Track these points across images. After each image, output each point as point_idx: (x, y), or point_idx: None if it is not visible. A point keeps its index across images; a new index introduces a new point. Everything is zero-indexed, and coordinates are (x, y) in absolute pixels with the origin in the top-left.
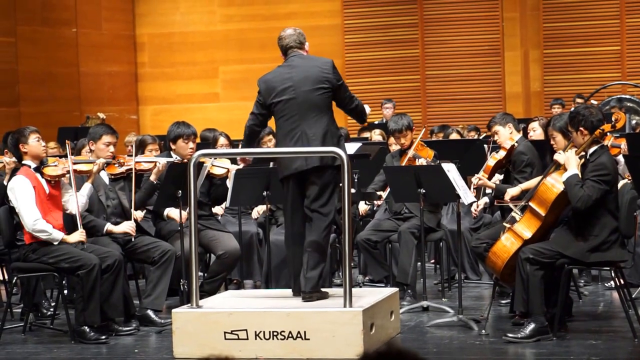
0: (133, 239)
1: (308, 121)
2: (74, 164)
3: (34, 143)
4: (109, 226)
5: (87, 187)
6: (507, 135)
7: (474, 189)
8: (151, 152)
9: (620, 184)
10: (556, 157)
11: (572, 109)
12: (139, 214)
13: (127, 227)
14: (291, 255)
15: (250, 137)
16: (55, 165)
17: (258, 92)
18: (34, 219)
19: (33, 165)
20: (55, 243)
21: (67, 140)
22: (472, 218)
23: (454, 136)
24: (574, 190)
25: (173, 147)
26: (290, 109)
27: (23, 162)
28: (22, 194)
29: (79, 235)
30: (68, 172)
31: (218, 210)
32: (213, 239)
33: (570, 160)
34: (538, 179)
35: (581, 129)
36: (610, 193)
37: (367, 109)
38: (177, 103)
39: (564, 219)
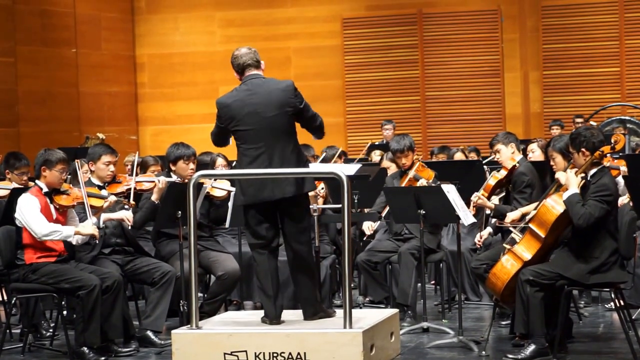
0: (129, 227)
1: (275, 147)
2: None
3: (55, 173)
4: (105, 215)
5: (92, 221)
6: (508, 155)
7: (473, 207)
8: (153, 173)
9: (620, 201)
10: (558, 175)
11: (573, 130)
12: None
13: (125, 214)
14: (266, 287)
15: (220, 136)
16: (68, 195)
17: (218, 115)
18: (40, 226)
19: (45, 189)
20: (70, 239)
21: (76, 160)
22: (478, 248)
23: (459, 155)
24: (575, 208)
25: (173, 168)
26: (255, 136)
27: (36, 181)
28: (27, 208)
29: (91, 227)
30: (79, 203)
31: None
32: (213, 260)
33: (570, 179)
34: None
35: (583, 149)
36: (611, 214)
37: None
38: (177, 123)
39: (563, 240)
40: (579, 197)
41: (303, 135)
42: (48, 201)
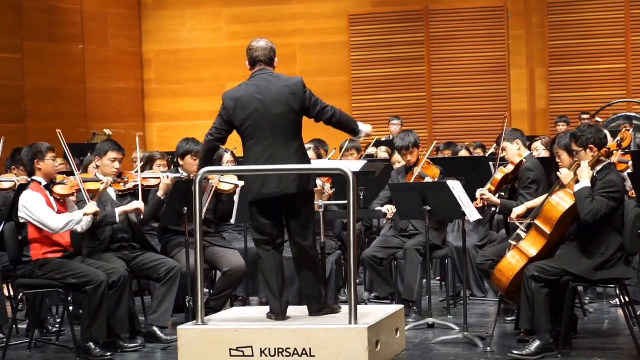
0: (142, 217)
1: (280, 145)
2: (82, 182)
3: (49, 162)
4: (119, 209)
5: (92, 205)
6: (515, 152)
7: (480, 199)
8: (159, 167)
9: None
10: (561, 173)
11: (576, 128)
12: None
13: (138, 204)
14: (271, 283)
15: (210, 151)
16: (64, 184)
17: (223, 107)
18: (55, 221)
19: (43, 182)
20: (83, 221)
21: (76, 167)
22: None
23: (463, 153)
24: (584, 203)
25: (181, 162)
26: (261, 132)
27: (33, 177)
28: (37, 205)
29: (93, 206)
30: (77, 191)
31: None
32: (219, 256)
33: (583, 171)
34: (543, 197)
35: (591, 146)
36: (618, 210)
37: (366, 127)
38: (183, 120)
39: (569, 236)
40: (589, 191)
41: (318, 131)
42: (48, 194)
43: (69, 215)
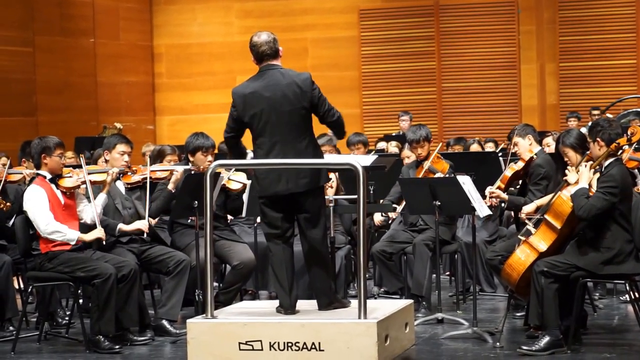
0: (146, 236)
1: (290, 141)
2: (89, 174)
3: (56, 159)
4: (121, 226)
5: (101, 197)
6: (526, 147)
7: (490, 198)
8: (170, 162)
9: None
10: (567, 177)
11: (593, 121)
12: (151, 220)
13: (141, 224)
14: (281, 277)
15: (232, 149)
16: (70, 177)
17: (233, 104)
18: (45, 223)
19: (49, 176)
20: (72, 243)
21: (81, 154)
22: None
23: (475, 146)
24: (577, 200)
25: (191, 158)
26: (269, 128)
27: (39, 171)
28: (35, 201)
29: (97, 232)
30: (83, 183)
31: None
32: (228, 250)
33: (583, 174)
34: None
35: (598, 139)
36: (621, 205)
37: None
38: (194, 113)
39: (578, 232)
40: (585, 191)
41: (319, 129)
42: (54, 187)
43: (64, 228)
